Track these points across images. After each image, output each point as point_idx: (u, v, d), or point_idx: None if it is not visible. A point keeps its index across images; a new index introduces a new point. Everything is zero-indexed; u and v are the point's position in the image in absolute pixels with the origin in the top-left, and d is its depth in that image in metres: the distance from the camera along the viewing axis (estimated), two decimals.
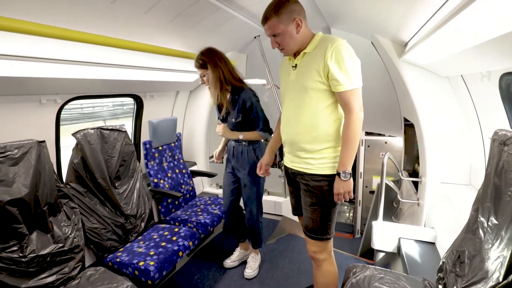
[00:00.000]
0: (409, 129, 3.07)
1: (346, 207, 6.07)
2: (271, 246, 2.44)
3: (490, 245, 1.01)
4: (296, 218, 2.76)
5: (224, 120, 1.94)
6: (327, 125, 1.32)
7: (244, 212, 2.08)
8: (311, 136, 1.33)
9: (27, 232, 1.48)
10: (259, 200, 2.02)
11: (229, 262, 2.17)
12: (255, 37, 2.66)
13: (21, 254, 1.43)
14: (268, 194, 2.93)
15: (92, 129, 1.88)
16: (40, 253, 1.48)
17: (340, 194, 1.31)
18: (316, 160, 1.35)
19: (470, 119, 1.94)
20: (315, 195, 1.37)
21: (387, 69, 2.41)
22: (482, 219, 1.12)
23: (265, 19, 1.29)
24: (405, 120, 2.92)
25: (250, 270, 2.07)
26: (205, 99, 2.96)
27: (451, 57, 1.51)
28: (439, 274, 1.29)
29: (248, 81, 3.33)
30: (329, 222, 1.40)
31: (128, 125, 2.35)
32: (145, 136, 2.49)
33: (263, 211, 2.77)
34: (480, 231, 1.11)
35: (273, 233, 2.57)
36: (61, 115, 1.89)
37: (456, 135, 2.07)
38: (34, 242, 1.49)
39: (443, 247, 1.79)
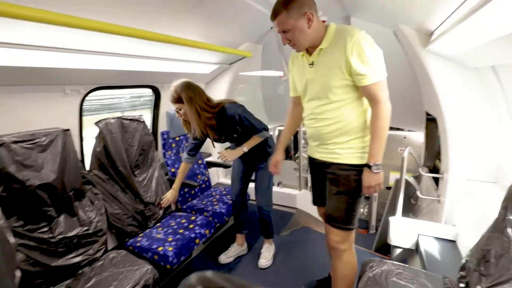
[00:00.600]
0: (431, 123, 2.95)
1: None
2: (285, 238, 2.45)
3: None
4: (312, 210, 2.76)
5: (226, 140, 1.93)
6: (354, 117, 1.31)
7: (255, 202, 2.08)
8: (338, 130, 1.33)
9: (56, 215, 1.56)
10: (270, 190, 2.04)
11: (224, 257, 2.17)
12: (271, 28, 2.61)
13: (50, 235, 1.51)
14: (283, 186, 2.92)
15: (113, 118, 1.93)
16: (68, 235, 1.56)
17: (371, 187, 1.28)
18: (344, 150, 1.35)
19: (500, 114, 1.84)
20: (342, 184, 1.36)
21: (410, 60, 2.31)
22: (511, 217, 1.07)
23: (274, 14, 1.22)
24: (427, 114, 2.81)
25: (264, 260, 2.09)
26: (221, 91, 2.96)
27: (482, 47, 1.42)
28: (460, 273, 1.25)
29: (264, 73, 3.31)
30: (353, 212, 1.39)
31: (145, 117, 2.40)
32: (162, 126, 2.54)
33: (278, 203, 2.80)
34: (509, 230, 1.05)
35: (288, 225, 2.58)
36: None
37: (483, 130, 1.97)
38: (62, 224, 1.57)
39: (465, 245, 1.72)
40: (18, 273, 1.10)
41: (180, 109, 1.72)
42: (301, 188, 2.77)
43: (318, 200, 1.64)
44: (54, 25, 1.19)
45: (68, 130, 1.65)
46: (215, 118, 1.76)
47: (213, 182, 2.94)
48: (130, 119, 2.06)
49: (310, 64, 1.32)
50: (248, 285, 0.22)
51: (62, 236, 1.53)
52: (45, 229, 1.49)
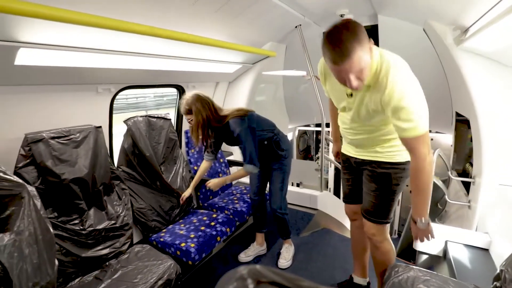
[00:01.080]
0: (461, 125, 2.81)
1: None
2: (306, 239, 2.42)
3: None
4: (333, 212, 2.71)
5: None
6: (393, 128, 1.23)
7: (269, 202, 2.07)
8: (380, 137, 1.31)
9: (86, 208, 1.64)
10: (284, 192, 2.00)
11: (244, 256, 2.17)
12: (296, 27, 2.59)
13: (81, 227, 1.59)
14: (303, 187, 2.90)
15: (141, 116, 2.00)
16: (97, 228, 1.64)
17: (421, 238, 1.25)
18: (384, 149, 1.33)
19: None
20: (381, 182, 1.36)
21: (440, 58, 2.21)
22: None
23: (348, 54, 0.94)
24: (458, 115, 2.67)
25: (284, 261, 2.08)
26: (244, 90, 2.98)
27: None
28: (495, 283, 1.18)
29: (287, 72, 3.29)
30: (390, 208, 1.40)
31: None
32: (186, 125, 2.59)
33: (299, 204, 2.77)
34: None
35: (308, 226, 2.54)
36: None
37: None
38: (92, 217, 1.65)
39: (499, 254, 1.62)
40: (56, 262, 1.16)
41: (191, 120, 1.75)
42: (322, 189, 2.73)
43: (350, 197, 1.61)
44: (88, 27, 1.25)
45: (100, 127, 1.73)
46: (220, 128, 1.79)
47: (234, 181, 2.97)
48: (157, 117, 2.12)
49: (349, 94, 1.24)
50: (298, 279, 0.21)
51: (92, 228, 1.61)
52: (77, 221, 1.57)
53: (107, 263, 1.64)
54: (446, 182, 2.94)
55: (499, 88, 1.88)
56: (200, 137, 1.75)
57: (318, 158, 3.95)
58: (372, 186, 1.39)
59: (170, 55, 2.09)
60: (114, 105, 2.07)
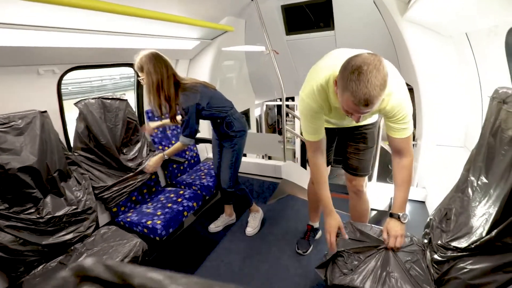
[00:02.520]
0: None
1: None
2: (272, 206, 2.48)
3: (477, 203, 0.98)
4: (297, 179, 2.78)
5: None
6: None
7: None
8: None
9: (41, 196, 1.52)
10: (234, 170, 1.94)
11: (214, 227, 2.19)
12: (252, 0, 2.43)
13: (38, 215, 1.47)
14: (269, 158, 2.92)
15: (93, 98, 1.83)
16: (56, 214, 1.53)
17: (398, 237, 1.19)
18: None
19: (471, 81, 1.81)
20: (368, 139, 1.46)
21: (389, 29, 2.22)
22: (472, 178, 1.08)
23: (373, 102, 0.89)
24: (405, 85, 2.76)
25: (251, 229, 2.13)
26: (206, 67, 2.82)
27: (457, 12, 1.35)
28: (425, 230, 1.29)
29: (245, 48, 3.15)
30: (371, 160, 1.56)
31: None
32: (147, 106, 2.43)
33: (264, 175, 2.81)
34: (469, 189, 1.07)
35: (274, 194, 2.60)
36: (67, 87, 1.82)
37: (455, 97, 1.95)
38: (49, 205, 1.53)
39: (433, 205, 1.77)
40: None
41: (143, 79, 1.62)
42: (286, 159, 2.77)
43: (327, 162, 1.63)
44: (23, 0, 1.06)
45: (45, 112, 1.56)
46: (172, 99, 1.66)
47: (202, 158, 2.91)
48: (112, 98, 1.95)
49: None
50: (131, 271, 0.18)
51: (50, 216, 1.50)
52: (32, 210, 1.45)
53: (72, 248, 1.56)
54: None
55: (438, 56, 1.94)
56: (152, 101, 1.63)
57: (278, 130, 3.98)
58: (361, 146, 1.48)
59: (122, 31, 1.88)
60: (75, 89, 1.86)
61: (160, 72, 1.58)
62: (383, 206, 2.07)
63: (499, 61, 1.35)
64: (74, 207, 1.62)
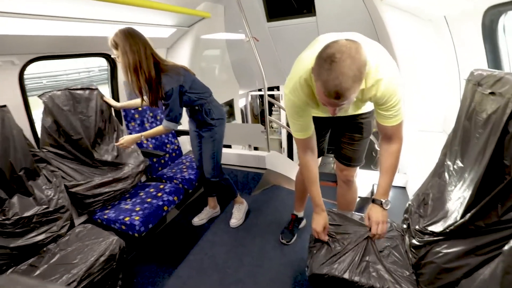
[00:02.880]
0: None
1: (331, 158, 6.16)
2: (256, 197, 2.46)
3: (453, 187, 0.98)
4: (282, 170, 2.76)
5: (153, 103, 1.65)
6: None
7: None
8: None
9: (6, 196, 1.42)
10: (216, 160, 1.88)
11: (197, 220, 2.15)
12: None
13: (4, 217, 1.38)
14: (253, 149, 2.88)
15: (59, 90, 1.71)
16: (24, 215, 1.44)
17: (380, 223, 1.15)
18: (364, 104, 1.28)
19: (450, 65, 1.81)
20: (364, 129, 1.41)
21: (370, 14, 2.18)
22: (448, 162, 1.07)
23: (346, 96, 0.83)
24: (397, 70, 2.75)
25: (235, 220, 2.10)
26: (184, 56, 2.71)
27: None
28: (404, 215, 1.30)
29: (224, 35, 3.04)
30: (365, 151, 1.52)
31: None
32: (123, 97, 2.32)
33: (248, 165, 2.77)
34: (446, 174, 1.07)
35: (258, 185, 2.58)
36: (41, 81, 1.70)
37: (435, 82, 1.95)
38: (15, 205, 1.44)
39: (413, 191, 1.79)
40: None
41: (118, 57, 1.49)
42: (270, 150, 2.73)
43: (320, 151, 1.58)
44: None
45: (4, 106, 1.44)
46: (154, 81, 1.52)
47: (184, 151, 2.83)
48: (81, 89, 1.84)
49: None
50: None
51: (17, 217, 1.41)
52: None
53: (44, 249, 1.48)
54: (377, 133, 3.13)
55: (419, 41, 1.92)
56: (131, 84, 1.51)
57: (270, 122, 3.94)
58: (356, 136, 1.43)
59: (90, 18, 1.75)
60: (52, 83, 1.73)
61: (137, 51, 1.45)
62: (365, 193, 2.09)
63: (476, 44, 1.34)
64: (44, 206, 1.53)
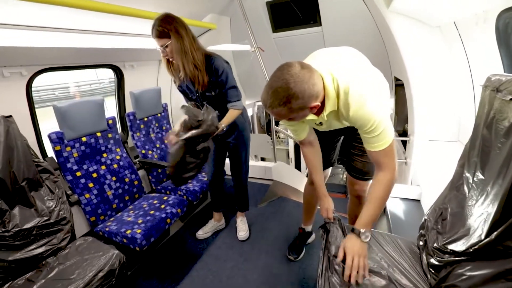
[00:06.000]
0: (400, 89, 2.86)
1: (340, 169, 6.03)
2: (263, 209, 2.38)
3: (474, 202, 0.89)
4: (288, 181, 2.69)
5: (201, 97, 1.60)
6: None
7: (232, 178, 1.97)
8: None
9: (8, 208, 1.40)
10: (247, 164, 1.91)
11: (202, 233, 2.07)
12: None
13: (3, 229, 1.35)
14: (260, 159, 2.83)
15: None
16: (24, 227, 1.41)
17: (355, 256, 0.99)
18: None
19: (462, 72, 1.74)
20: None
21: (376, 22, 2.15)
22: (467, 174, 0.99)
23: (275, 111, 0.91)
24: (396, 79, 2.70)
25: (244, 232, 2.03)
26: None
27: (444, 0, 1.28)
28: (420, 231, 1.20)
29: (230, 47, 3.05)
30: None
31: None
32: (129, 107, 2.33)
33: (254, 176, 2.71)
34: (465, 187, 0.98)
35: (265, 197, 2.51)
36: (53, 92, 1.72)
37: (446, 89, 1.88)
38: (16, 217, 1.41)
39: (428, 204, 1.69)
40: None
41: (167, 46, 1.38)
42: (276, 160, 2.67)
43: (329, 164, 1.58)
44: None
45: (10, 116, 1.44)
46: (203, 64, 1.46)
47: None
48: None
49: (318, 123, 1.15)
50: None
51: (17, 229, 1.38)
52: None
53: (43, 262, 1.45)
54: None
55: (427, 49, 1.87)
56: (187, 69, 1.41)
57: (277, 132, 3.89)
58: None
59: (98, 30, 1.79)
60: (64, 94, 1.74)
61: (187, 33, 1.40)
62: None
63: (489, 48, 1.28)
64: (45, 218, 1.50)
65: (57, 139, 1.67)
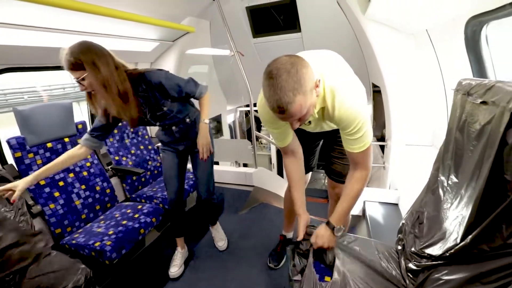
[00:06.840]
0: (377, 95, 2.93)
1: (321, 174, 6.10)
2: (243, 216, 2.32)
3: (449, 205, 0.90)
4: (270, 186, 2.65)
5: (153, 120, 1.43)
6: None
7: (197, 191, 1.75)
8: None
9: None
10: (213, 175, 1.74)
11: (175, 270, 1.72)
12: (213, 0, 2.32)
13: None
14: (242, 166, 2.78)
15: None
16: None
17: (325, 243, 1.08)
18: None
19: (435, 78, 1.80)
20: None
21: (353, 28, 2.19)
22: (442, 178, 1.00)
23: (288, 108, 0.81)
24: (374, 85, 2.76)
25: (222, 242, 1.95)
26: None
27: (415, 8, 1.31)
28: (399, 235, 1.20)
29: (209, 51, 3.00)
30: None
31: None
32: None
33: (235, 183, 2.65)
34: (440, 190, 0.99)
35: (246, 204, 2.45)
36: (22, 96, 1.58)
37: (421, 96, 1.94)
38: None
39: (406, 208, 1.71)
40: None
41: (83, 79, 1.12)
42: (257, 166, 2.63)
43: (309, 167, 1.53)
44: None
45: None
46: (133, 89, 1.26)
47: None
48: None
49: (307, 122, 1.14)
50: None
51: None
52: None
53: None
54: None
55: (402, 55, 1.92)
56: (113, 105, 1.19)
57: (259, 138, 3.86)
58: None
59: (72, 29, 1.68)
60: (34, 97, 1.59)
61: (106, 61, 1.16)
62: (357, 210, 1.99)
63: (459, 54, 1.33)
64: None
65: (18, 145, 1.53)
